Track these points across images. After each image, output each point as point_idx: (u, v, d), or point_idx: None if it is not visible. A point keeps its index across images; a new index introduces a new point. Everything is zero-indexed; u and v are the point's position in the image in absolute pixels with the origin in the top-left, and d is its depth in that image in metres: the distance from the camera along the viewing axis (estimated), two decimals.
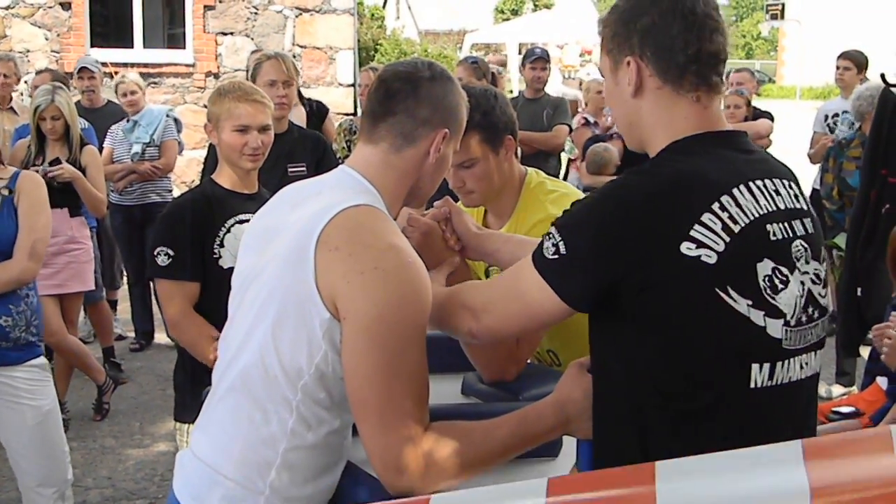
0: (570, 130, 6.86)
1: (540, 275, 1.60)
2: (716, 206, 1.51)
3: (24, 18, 9.87)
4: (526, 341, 2.35)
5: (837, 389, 5.60)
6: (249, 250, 1.90)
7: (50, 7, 9.90)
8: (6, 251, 3.14)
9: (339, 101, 10.55)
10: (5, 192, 3.19)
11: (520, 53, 21.32)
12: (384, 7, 38.87)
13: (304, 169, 4.02)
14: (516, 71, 19.84)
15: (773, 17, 35.34)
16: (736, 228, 1.51)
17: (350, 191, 1.77)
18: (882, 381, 3.35)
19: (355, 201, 1.73)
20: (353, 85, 10.56)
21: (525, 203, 2.54)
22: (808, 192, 7.34)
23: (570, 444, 1.97)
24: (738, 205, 1.53)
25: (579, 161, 7.08)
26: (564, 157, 7.58)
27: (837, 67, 7.07)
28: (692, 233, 1.49)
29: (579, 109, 8.04)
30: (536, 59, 6.88)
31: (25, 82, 9.25)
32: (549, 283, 1.59)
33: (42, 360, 3.32)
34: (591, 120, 7.35)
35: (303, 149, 4.18)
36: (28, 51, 9.87)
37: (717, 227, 1.50)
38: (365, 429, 1.67)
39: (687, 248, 1.48)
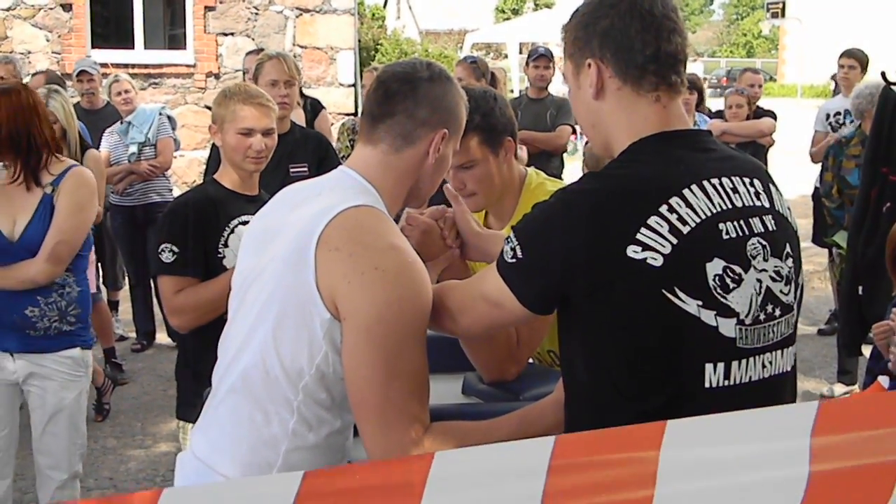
0: (574, 131, 6.85)
1: (501, 278, 1.63)
2: (663, 209, 1.52)
3: (25, 20, 9.88)
4: (526, 342, 2.35)
5: (839, 388, 5.61)
6: (249, 251, 1.91)
7: (51, 8, 9.91)
8: (37, 249, 3.15)
9: (340, 101, 10.56)
10: (48, 190, 3.19)
11: (521, 53, 21.34)
12: (385, 7, 38.87)
13: (305, 169, 4.02)
14: (517, 71, 19.87)
15: (774, 15, 35.34)
16: (685, 230, 1.52)
17: (350, 191, 1.78)
18: (883, 380, 3.33)
19: (355, 202, 1.73)
20: (353, 85, 10.57)
21: (525, 204, 2.53)
22: (809, 190, 7.35)
23: None
24: (689, 205, 1.54)
25: None
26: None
27: (841, 66, 7.05)
28: (638, 236, 1.50)
29: None
30: (539, 58, 6.86)
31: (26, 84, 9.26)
32: (508, 287, 1.62)
33: (77, 351, 3.31)
34: None
35: (305, 149, 4.18)
36: (29, 52, 9.87)
37: (664, 229, 1.51)
38: (365, 429, 1.68)
39: (633, 251, 1.49)
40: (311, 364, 1.70)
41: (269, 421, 1.74)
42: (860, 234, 4.69)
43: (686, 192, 1.54)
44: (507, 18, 32.77)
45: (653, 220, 1.51)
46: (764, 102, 7.54)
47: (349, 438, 1.84)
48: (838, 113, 6.83)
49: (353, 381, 1.67)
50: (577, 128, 7.88)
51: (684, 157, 1.61)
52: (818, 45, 28.01)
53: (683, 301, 1.50)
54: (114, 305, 6.58)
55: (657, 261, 1.49)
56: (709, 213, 1.54)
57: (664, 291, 1.50)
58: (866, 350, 4.54)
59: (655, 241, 1.50)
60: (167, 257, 3.00)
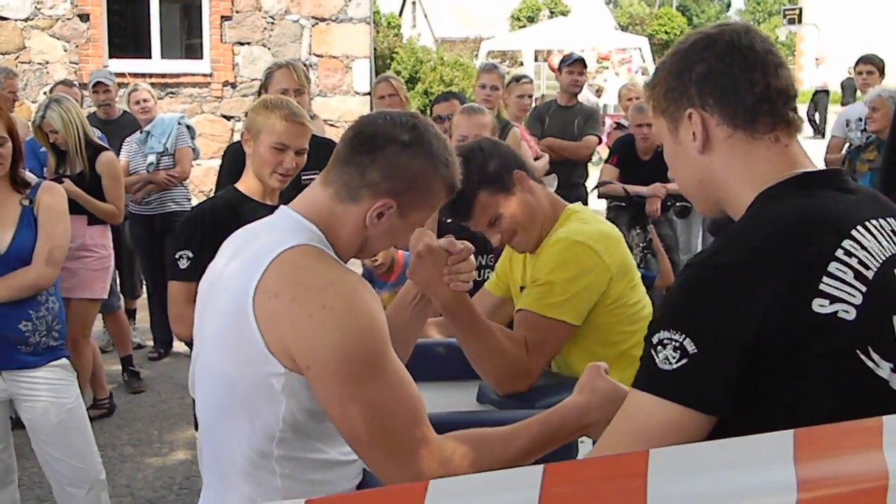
0: (599, 141, 6.85)
1: (665, 397, 1.30)
2: (840, 253, 1.30)
3: (43, 30, 9.96)
4: (536, 351, 2.35)
5: None
6: (201, 303, 1.85)
7: (69, 19, 9.98)
8: (28, 258, 3.24)
9: (356, 109, 10.59)
10: (25, 203, 3.28)
11: (536, 60, 21.32)
12: (400, 15, 38.98)
13: (315, 173, 4.02)
14: (532, 78, 19.81)
15: (791, 21, 35.15)
16: (869, 275, 1.30)
17: (284, 232, 1.71)
18: None
19: (289, 243, 1.66)
20: (369, 93, 10.59)
21: (559, 226, 2.55)
22: None
23: (585, 450, 1.96)
24: (864, 247, 1.32)
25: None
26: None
27: (860, 73, 7.03)
28: (822, 287, 1.27)
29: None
30: (574, 63, 6.81)
31: (45, 93, 9.35)
32: (681, 402, 1.29)
33: (64, 360, 3.40)
34: (625, 124, 7.39)
35: (316, 156, 4.18)
36: (47, 62, 9.95)
37: (849, 276, 1.29)
38: (374, 465, 1.64)
39: (819, 305, 1.26)
40: (277, 420, 1.64)
41: (259, 482, 1.70)
42: None
43: (855, 233, 1.33)
44: (523, 26, 32.74)
45: (833, 267, 1.29)
46: None
47: (351, 463, 1.80)
48: (860, 119, 6.78)
49: (342, 424, 1.61)
50: (603, 137, 7.87)
51: (835, 198, 1.39)
52: (835, 51, 27.88)
53: (877, 364, 1.28)
54: (131, 314, 6.61)
55: (850, 314, 1.27)
56: (884, 257, 1.33)
57: (858, 352, 1.27)
58: None
59: (843, 291, 1.28)
60: (184, 264, 3.01)
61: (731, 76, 1.43)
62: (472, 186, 2.36)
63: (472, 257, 2.12)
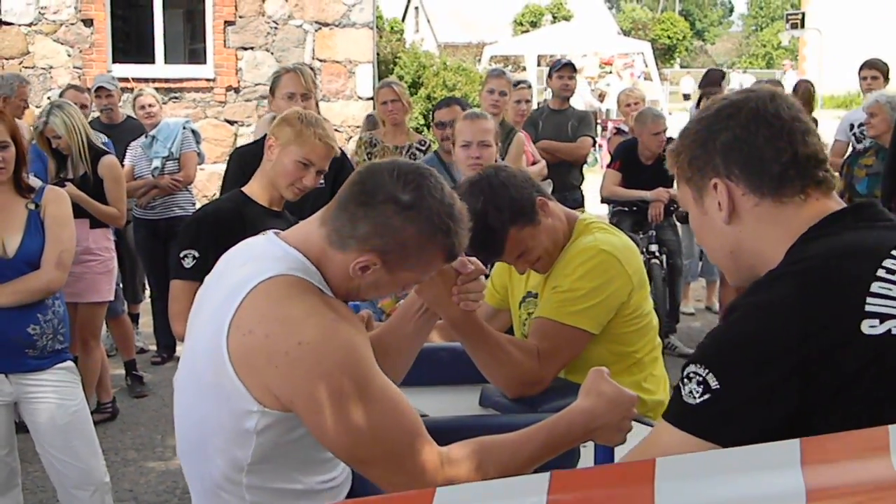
0: (594, 142, 6.87)
1: (688, 431, 1.31)
2: (882, 272, 1.29)
3: (46, 35, 9.98)
4: (548, 359, 2.35)
5: None
6: (194, 310, 1.85)
7: (72, 24, 10.00)
8: (36, 262, 3.25)
9: (359, 114, 10.60)
10: (32, 207, 3.29)
11: (539, 65, 21.34)
12: (403, 20, 39.02)
13: (322, 183, 4.03)
14: (536, 83, 19.86)
15: (794, 26, 35.15)
16: None
17: (268, 261, 1.69)
18: None
19: (266, 274, 1.64)
20: (372, 98, 10.61)
21: (569, 255, 2.53)
22: None
23: (586, 453, 1.96)
24: None
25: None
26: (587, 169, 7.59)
27: (864, 77, 7.02)
28: (868, 308, 1.26)
29: (600, 120, 8.08)
30: (563, 67, 6.88)
31: (49, 98, 9.36)
32: (702, 437, 1.29)
33: (69, 363, 3.41)
34: (625, 129, 7.42)
35: None
36: (51, 67, 9.97)
37: (894, 291, 1.27)
38: (380, 481, 1.63)
39: (869, 327, 1.25)
40: (247, 454, 1.65)
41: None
42: None
43: (895, 251, 1.32)
44: (526, 31, 32.74)
45: (876, 287, 1.28)
46: None
47: (330, 490, 1.79)
48: (862, 124, 6.77)
49: (340, 451, 1.62)
50: (598, 139, 7.92)
51: (870, 226, 1.40)
52: (838, 55, 27.88)
53: None
54: (134, 318, 6.62)
55: None
56: None
57: None
58: None
59: (892, 307, 1.26)
60: (188, 263, 3.03)
61: (756, 145, 1.41)
62: (504, 226, 2.36)
63: (483, 277, 2.08)
